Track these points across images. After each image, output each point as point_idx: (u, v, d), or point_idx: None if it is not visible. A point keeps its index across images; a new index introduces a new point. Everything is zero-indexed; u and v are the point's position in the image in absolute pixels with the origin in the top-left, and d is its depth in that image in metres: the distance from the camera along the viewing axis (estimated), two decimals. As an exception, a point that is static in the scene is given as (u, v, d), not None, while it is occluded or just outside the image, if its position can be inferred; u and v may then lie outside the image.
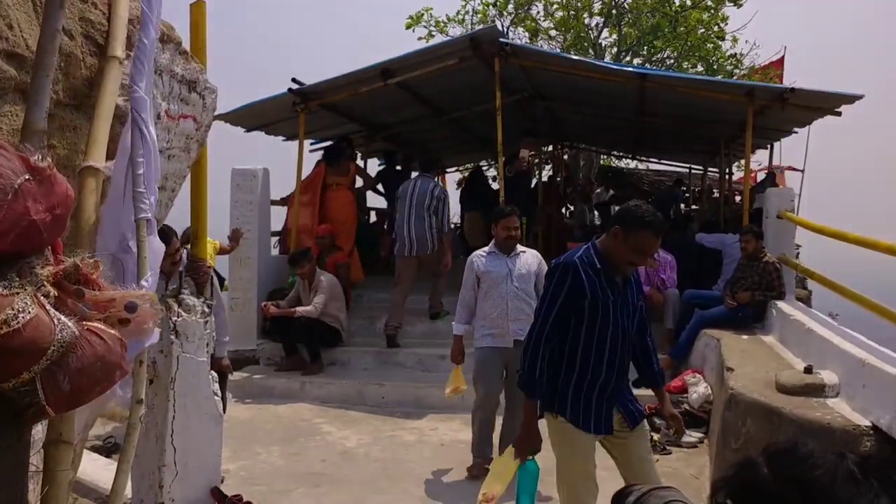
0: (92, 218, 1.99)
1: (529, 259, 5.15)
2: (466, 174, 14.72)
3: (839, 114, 7.71)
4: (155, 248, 2.17)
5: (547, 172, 15.38)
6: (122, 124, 2.33)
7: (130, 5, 2.31)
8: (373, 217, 12.25)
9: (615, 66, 9.34)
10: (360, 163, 10.61)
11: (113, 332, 1.57)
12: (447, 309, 7.96)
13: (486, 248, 5.23)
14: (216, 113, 8.71)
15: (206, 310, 3.93)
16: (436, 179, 8.58)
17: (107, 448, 5.36)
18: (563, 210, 15.06)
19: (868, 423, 3.94)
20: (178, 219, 4.13)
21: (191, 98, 3.01)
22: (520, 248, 5.18)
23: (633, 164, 20.23)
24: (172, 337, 3.71)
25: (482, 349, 5.11)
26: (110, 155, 2.26)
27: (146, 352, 2.13)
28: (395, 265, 8.26)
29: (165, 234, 4.50)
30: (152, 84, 2.34)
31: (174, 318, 3.72)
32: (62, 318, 1.45)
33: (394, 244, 8.27)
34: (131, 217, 2.11)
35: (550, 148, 15.04)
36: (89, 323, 1.53)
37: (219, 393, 4.16)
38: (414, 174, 9.28)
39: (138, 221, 2.04)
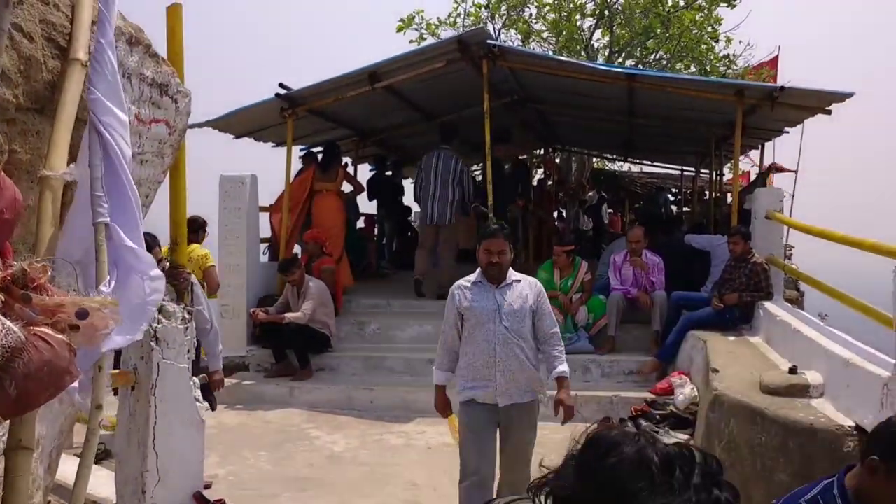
0: (49, 226, 1.98)
1: (524, 290, 4.08)
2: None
3: (829, 112, 7.68)
4: (140, 256, 2.15)
5: (538, 175, 15.39)
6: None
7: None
8: (360, 223, 12.24)
9: (603, 67, 9.34)
10: (350, 168, 10.57)
11: (61, 337, 1.55)
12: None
13: (472, 277, 4.17)
14: (207, 119, 8.69)
15: (187, 316, 3.92)
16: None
17: (96, 454, 5.34)
18: (555, 213, 15.06)
19: (851, 424, 3.93)
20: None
21: (163, 102, 2.99)
22: (513, 275, 4.13)
23: (625, 166, 20.25)
24: (153, 343, 3.70)
25: (467, 405, 4.05)
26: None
27: (105, 357, 2.11)
28: (419, 231, 9.25)
29: (147, 242, 4.48)
30: (120, 85, 2.32)
31: (154, 325, 3.72)
32: (7, 322, 1.43)
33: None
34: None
35: (541, 151, 15.05)
36: (36, 328, 1.51)
37: (201, 399, 4.14)
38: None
39: (96, 225, 2.02)
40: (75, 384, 1.94)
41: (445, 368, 4.22)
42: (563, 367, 4.01)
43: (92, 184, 2.08)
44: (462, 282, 4.19)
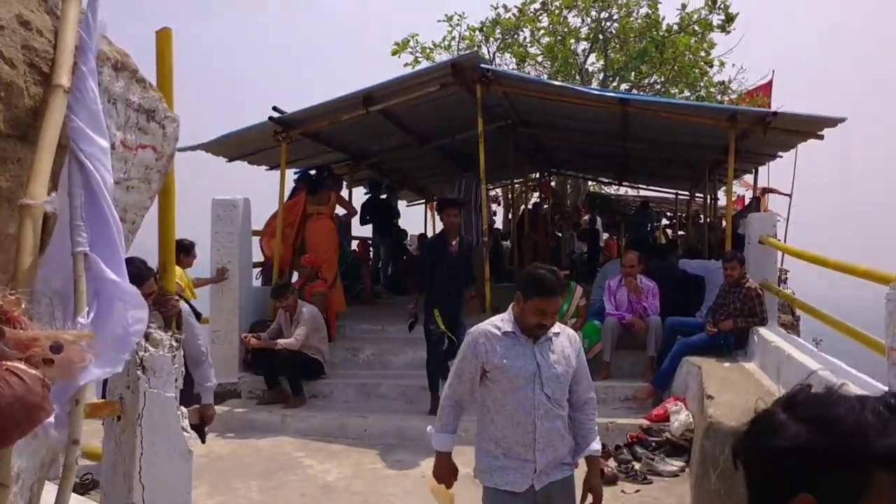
0: (29, 255, 1.94)
1: (565, 348, 3.22)
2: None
3: (822, 137, 7.71)
4: (121, 286, 2.10)
5: (533, 199, 15.42)
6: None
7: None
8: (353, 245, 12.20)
9: (596, 92, 9.37)
10: (344, 192, 10.55)
11: (34, 372, 1.51)
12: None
13: (499, 322, 3.23)
14: (198, 143, 8.67)
15: (174, 344, 3.86)
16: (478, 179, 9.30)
17: (84, 485, 5.26)
18: (550, 237, 15.06)
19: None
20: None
21: (149, 127, 2.96)
22: (554, 327, 3.24)
23: (621, 190, 20.30)
24: (139, 372, 3.63)
25: (494, 493, 3.16)
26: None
27: (84, 391, 2.06)
28: None
29: (141, 272, 4.41)
30: (101, 113, 2.29)
31: (141, 353, 3.66)
32: (-23, 358, 1.39)
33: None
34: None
35: (536, 175, 15.08)
36: (9, 363, 1.47)
37: (189, 428, 4.07)
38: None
39: (75, 255, 1.98)
40: (51, 419, 1.89)
41: (451, 430, 3.32)
42: (597, 446, 3.30)
43: (71, 213, 2.04)
44: (488, 327, 3.22)
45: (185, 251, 7.27)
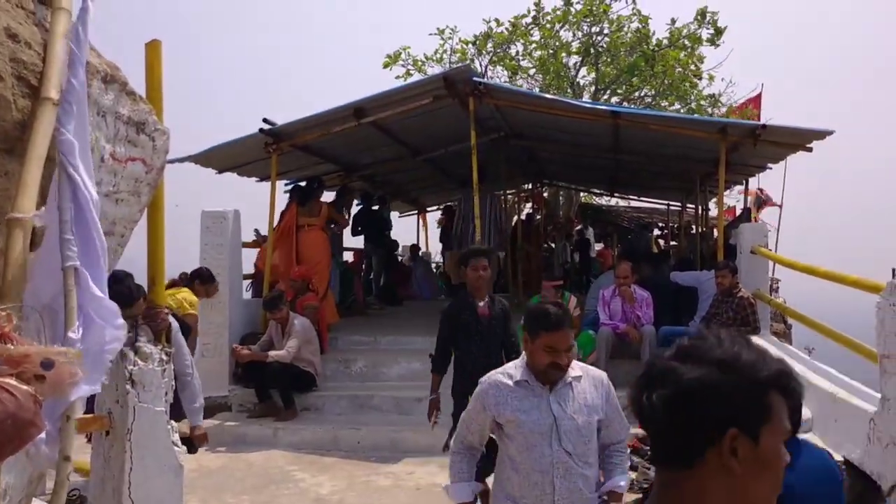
0: (18, 270, 1.92)
1: (587, 391, 2.92)
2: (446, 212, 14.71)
3: (811, 149, 7.76)
4: (103, 303, 2.08)
5: (527, 210, 15.44)
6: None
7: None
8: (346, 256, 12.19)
9: (588, 105, 9.41)
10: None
11: (26, 388, 1.49)
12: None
13: (511, 367, 3.00)
14: (187, 155, 8.63)
15: (164, 357, 3.83)
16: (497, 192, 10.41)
17: (71, 501, 5.19)
18: (543, 248, 15.08)
19: (840, 458, 3.88)
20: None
21: (139, 140, 2.95)
22: (573, 368, 2.93)
23: (613, 201, 20.37)
24: (128, 387, 3.60)
25: None
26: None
27: (74, 407, 2.03)
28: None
29: (131, 293, 4.37)
30: (88, 126, 2.28)
31: (130, 368, 3.62)
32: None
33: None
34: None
35: (529, 186, 15.11)
36: (0, 379, 1.45)
37: (179, 443, 4.03)
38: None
39: (65, 270, 1.96)
40: (42, 435, 1.87)
41: (468, 478, 3.07)
42: (623, 482, 3.02)
43: (61, 227, 2.02)
44: (499, 377, 2.96)
45: (201, 280, 7.13)
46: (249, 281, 9.29)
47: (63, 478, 1.99)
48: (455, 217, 10.93)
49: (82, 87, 2.17)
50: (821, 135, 7.31)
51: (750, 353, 1.16)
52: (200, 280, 7.07)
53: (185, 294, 6.81)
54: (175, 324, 4.98)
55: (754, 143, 7.72)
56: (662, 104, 16.45)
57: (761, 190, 13.52)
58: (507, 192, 14.27)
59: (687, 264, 10.20)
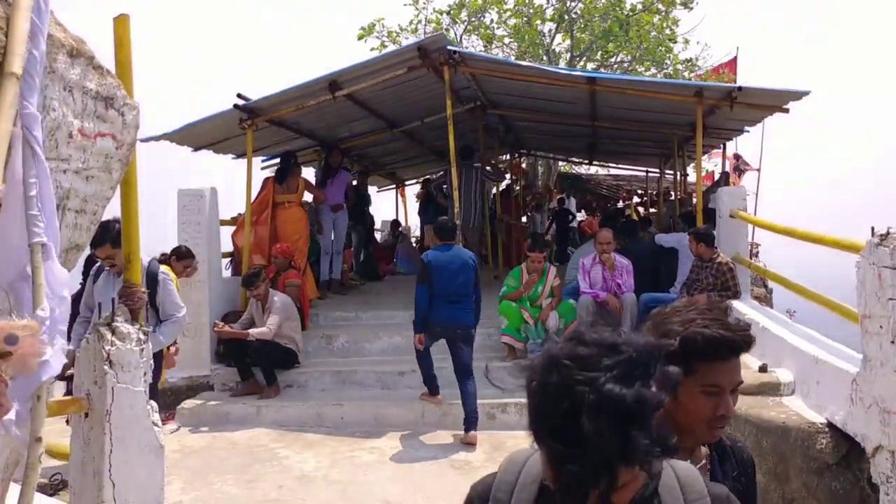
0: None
1: None
2: (425, 185, 14.61)
3: (787, 111, 7.76)
4: (57, 274, 2.01)
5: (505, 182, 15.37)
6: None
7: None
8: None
9: (563, 71, 9.34)
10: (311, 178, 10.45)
11: (-11, 368, 1.43)
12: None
13: None
14: (163, 133, 8.45)
15: (143, 337, 3.76)
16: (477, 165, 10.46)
17: (53, 485, 5.14)
18: (523, 218, 15.05)
19: (823, 420, 3.91)
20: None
21: (108, 115, 2.86)
22: None
23: (591, 169, 20.37)
24: (106, 367, 3.54)
25: None
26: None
27: (45, 387, 1.98)
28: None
29: (100, 235, 4.42)
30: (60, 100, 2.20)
31: (108, 348, 3.56)
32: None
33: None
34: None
35: (507, 156, 15.04)
36: (-39, 359, 1.39)
37: (159, 423, 3.98)
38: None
39: (32, 246, 1.89)
40: (11, 416, 1.82)
41: None
42: None
43: (27, 202, 1.95)
44: None
45: (178, 256, 6.97)
46: (229, 259, 9.18)
47: (34, 459, 1.94)
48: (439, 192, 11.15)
49: (43, 58, 2.09)
50: (797, 95, 7.29)
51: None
52: (177, 256, 6.96)
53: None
54: (163, 274, 5.28)
55: (731, 105, 7.70)
56: (639, 69, 16.41)
57: (738, 157, 13.59)
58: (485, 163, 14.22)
59: (669, 231, 10.24)
